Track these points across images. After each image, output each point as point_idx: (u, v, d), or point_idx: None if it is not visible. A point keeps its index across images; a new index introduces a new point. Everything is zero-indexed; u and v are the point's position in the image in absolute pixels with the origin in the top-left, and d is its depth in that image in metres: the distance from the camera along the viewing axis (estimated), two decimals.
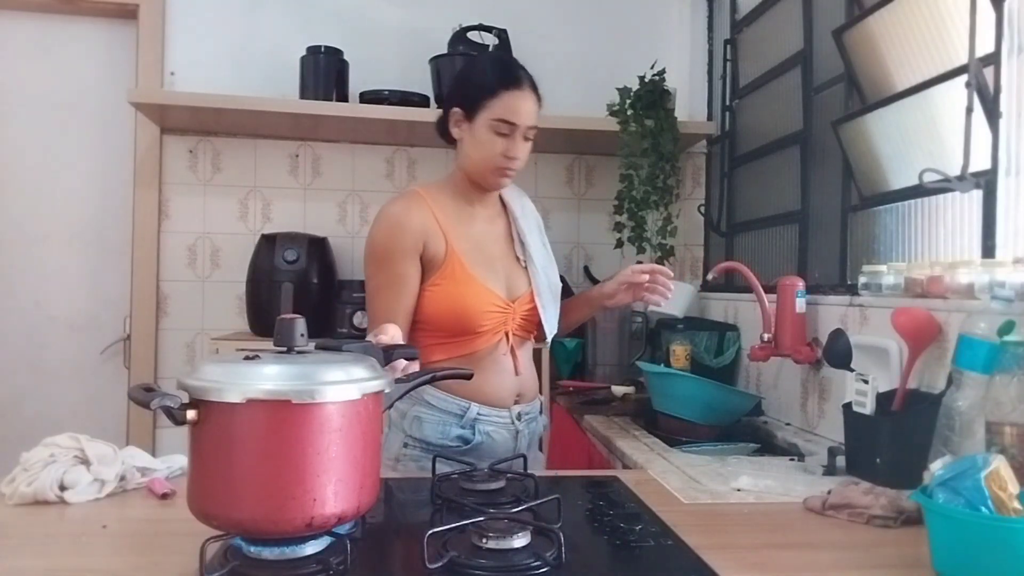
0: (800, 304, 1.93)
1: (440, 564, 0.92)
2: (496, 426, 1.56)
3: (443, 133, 1.61)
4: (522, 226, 1.66)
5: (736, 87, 2.64)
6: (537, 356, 2.56)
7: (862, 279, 1.71)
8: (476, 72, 1.58)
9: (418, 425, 1.52)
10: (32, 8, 2.69)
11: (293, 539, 0.94)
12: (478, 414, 1.53)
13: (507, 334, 1.57)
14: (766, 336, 1.98)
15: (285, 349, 0.99)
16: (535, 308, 1.61)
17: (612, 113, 2.67)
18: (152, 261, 2.69)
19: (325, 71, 2.58)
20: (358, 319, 2.44)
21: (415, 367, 1.21)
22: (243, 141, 2.74)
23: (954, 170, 1.47)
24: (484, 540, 0.97)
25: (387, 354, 1.13)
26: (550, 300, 1.64)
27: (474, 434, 1.53)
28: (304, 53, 2.58)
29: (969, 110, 1.46)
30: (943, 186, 1.50)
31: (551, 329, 1.65)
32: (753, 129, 2.54)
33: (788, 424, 2.05)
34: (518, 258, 1.63)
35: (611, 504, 1.25)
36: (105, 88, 2.72)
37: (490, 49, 2.68)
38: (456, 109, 1.54)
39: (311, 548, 0.95)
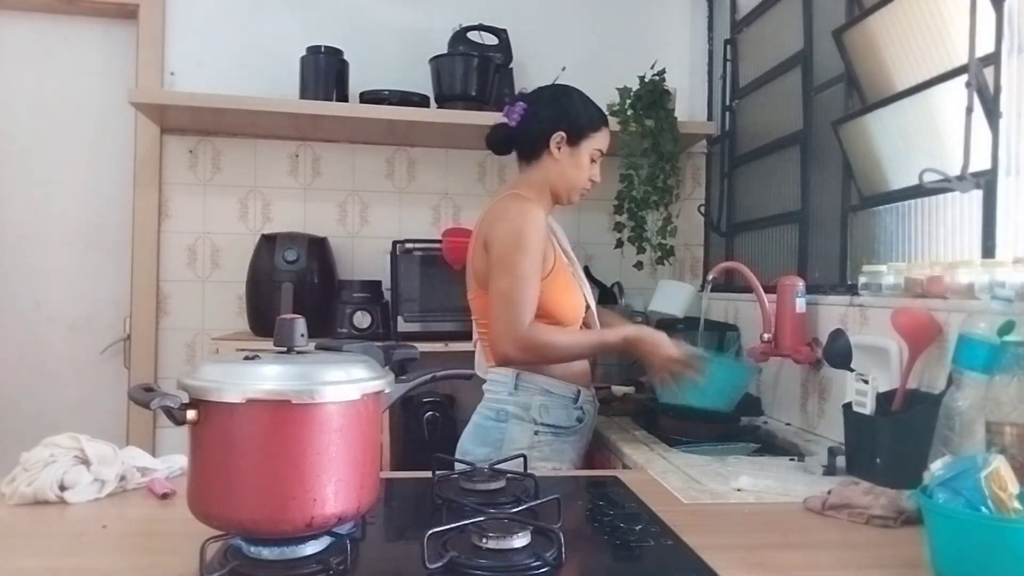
0: (800, 304, 1.93)
1: (440, 564, 0.92)
2: (590, 404, 1.82)
3: (505, 148, 1.82)
4: (562, 240, 1.89)
5: (736, 87, 2.64)
6: None
7: (862, 279, 1.71)
8: (581, 106, 1.80)
9: (546, 412, 1.73)
10: (32, 8, 2.69)
11: (293, 539, 0.94)
12: (583, 396, 1.78)
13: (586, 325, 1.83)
14: (766, 336, 1.98)
15: (285, 349, 0.99)
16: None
17: (612, 113, 2.66)
18: (152, 261, 2.68)
19: (325, 71, 2.58)
20: (358, 319, 2.44)
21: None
22: (243, 141, 2.74)
23: (954, 170, 1.47)
24: (484, 540, 0.97)
25: (387, 354, 1.13)
26: (595, 304, 1.90)
27: (584, 413, 1.78)
28: (304, 53, 2.58)
29: (969, 110, 1.46)
30: (943, 186, 1.51)
31: (598, 327, 1.88)
32: (753, 129, 2.54)
33: (788, 424, 2.05)
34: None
35: (611, 504, 1.25)
36: (105, 88, 2.72)
37: (490, 49, 2.69)
38: (561, 133, 1.75)
39: (311, 548, 0.95)
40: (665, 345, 1.71)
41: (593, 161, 1.79)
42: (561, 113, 1.77)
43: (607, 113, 2.62)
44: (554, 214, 1.89)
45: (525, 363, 1.71)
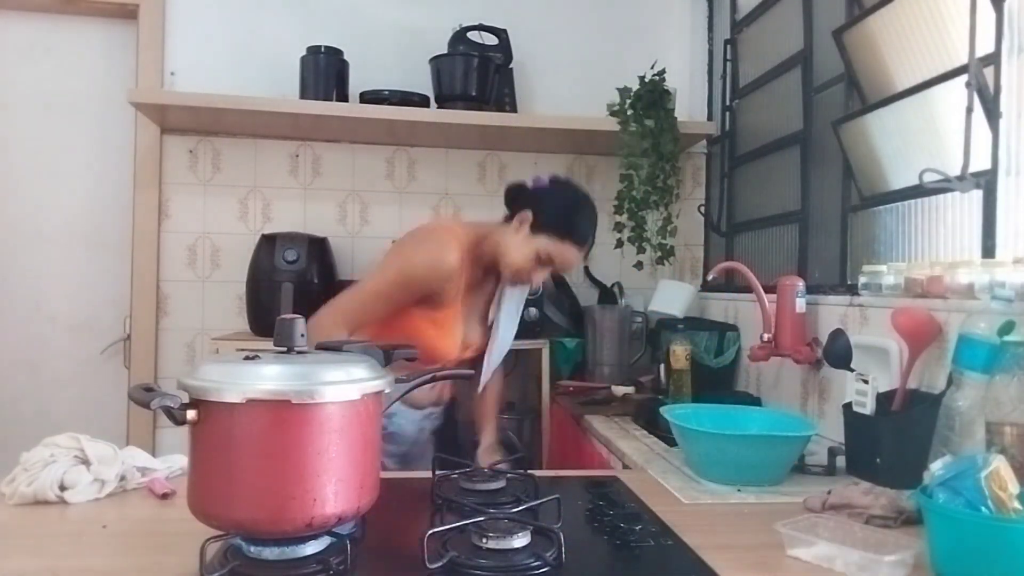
0: (800, 304, 1.93)
1: (440, 564, 0.92)
2: (407, 420, 1.78)
3: (508, 203, 1.74)
4: (506, 294, 1.80)
5: (736, 87, 2.64)
6: (537, 357, 2.58)
7: (862, 279, 1.70)
8: (573, 213, 1.67)
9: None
10: (32, 8, 2.69)
11: (293, 539, 0.94)
12: (398, 408, 1.71)
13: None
14: (766, 336, 1.98)
15: (285, 349, 0.99)
16: (478, 358, 1.82)
17: (612, 113, 2.67)
18: (152, 261, 2.68)
19: (325, 71, 2.58)
20: None
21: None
22: (243, 141, 2.74)
23: (954, 170, 1.47)
24: (484, 540, 0.97)
25: (387, 354, 1.13)
26: (496, 359, 1.85)
27: (390, 423, 1.74)
28: (304, 53, 2.58)
29: (969, 110, 1.46)
30: (943, 186, 1.50)
31: (483, 381, 1.87)
32: (753, 129, 2.54)
33: None
34: (486, 316, 1.80)
35: (611, 504, 1.25)
36: (105, 88, 2.72)
37: (494, 54, 2.68)
38: (528, 213, 1.64)
39: (311, 548, 0.95)
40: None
41: (541, 261, 1.63)
42: (550, 201, 1.67)
43: (608, 113, 2.66)
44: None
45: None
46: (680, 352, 2.09)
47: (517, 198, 1.72)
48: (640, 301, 2.77)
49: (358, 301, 1.62)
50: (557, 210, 1.66)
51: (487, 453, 1.83)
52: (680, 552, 1.03)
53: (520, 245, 1.64)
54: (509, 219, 1.69)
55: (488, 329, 1.81)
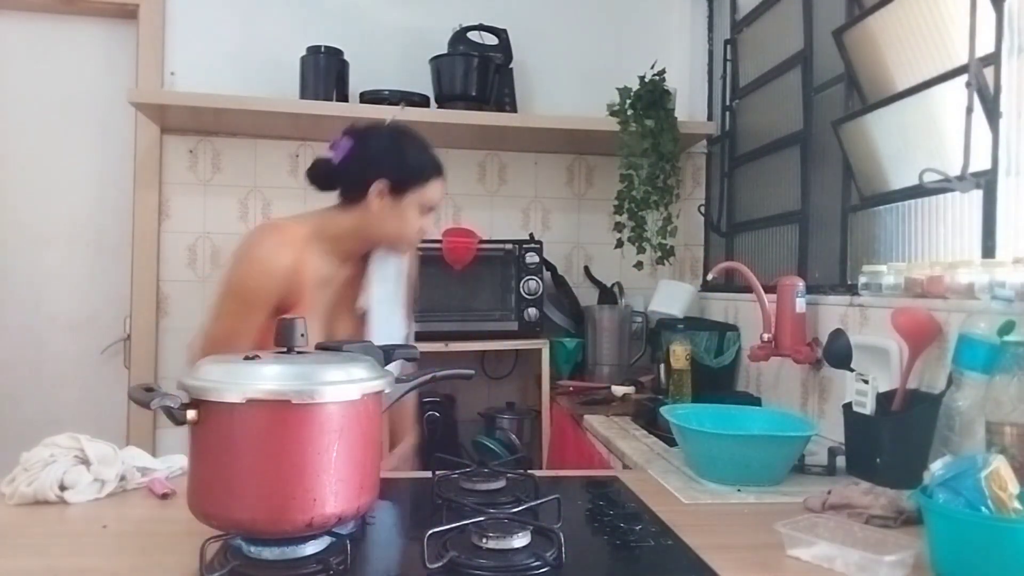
0: (800, 304, 1.93)
1: (440, 564, 0.92)
2: None
3: (327, 184, 1.57)
4: (376, 277, 1.64)
5: (736, 87, 2.64)
6: (537, 357, 2.58)
7: (862, 279, 1.70)
8: (413, 153, 1.58)
9: None
10: (32, 8, 2.69)
11: (293, 539, 0.94)
12: None
13: None
14: (766, 336, 1.98)
15: (285, 349, 0.99)
16: None
17: (612, 113, 2.67)
18: (152, 261, 2.68)
19: (325, 71, 2.58)
20: None
21: None
22: (243, 141, 2.74)
23: (954, 170, 1.47)
24: (484, 540, 0.97)
25: (387, 354, 1.13)
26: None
27: None
28: (304, 53, 2.58)
29: (969, 110, 1.46)
30: (943, 186, 1.50)
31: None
32: (753, 129, 2.54)
33: None
34: (355, 303, 1.62)
35: (611, 504, 1.25)
36: (105, 88, 2.72)
37: (489, 54, 2.68)
38: (384, 181, 1.51)
39: (311, 548, 0.95)
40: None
41: (423, 214, 1.57)
42: (387, 159, 1.55)
43: (608, 113, 2.66)
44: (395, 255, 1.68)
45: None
46: (680, 352, 2.09)
47: (328, 176, 1.56)
48: (640, 301, 2.77)
49: (218, 328, 1.48)
50: (400, 160, 1.55)
51: (398, 458, 1.70)
52: (680, 552, 1.03)
53: (393, 214, 1.54)
54: (350, 199, 1.55)
55: (360, 320, 1.62)
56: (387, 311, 1.67)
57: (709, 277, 2.12)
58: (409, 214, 1.55)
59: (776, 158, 2.34)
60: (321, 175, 1.57)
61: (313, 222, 1.55)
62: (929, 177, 1.50)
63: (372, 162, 1.54)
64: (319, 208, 1.59)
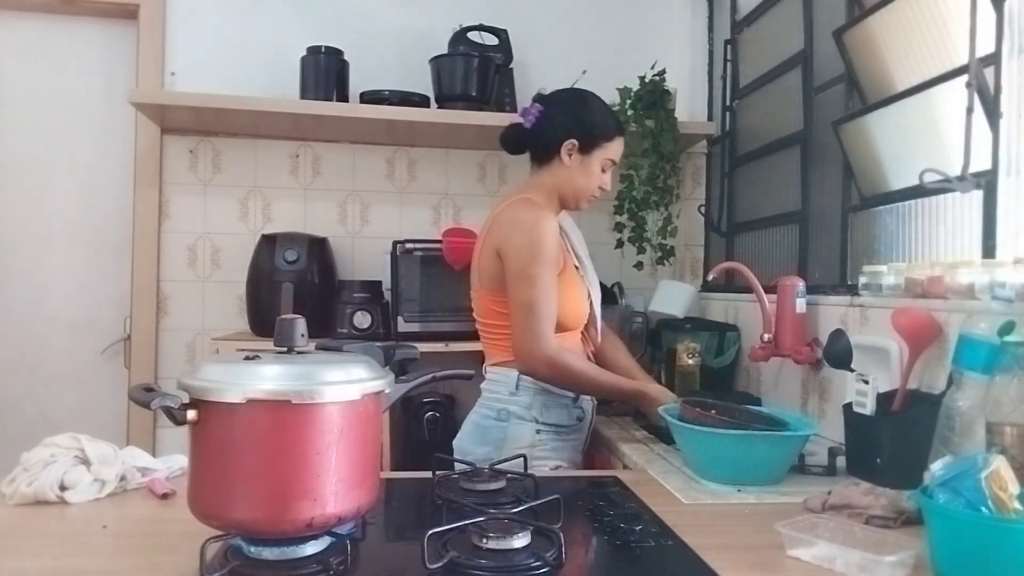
0: (800, 304, 1.93)
1: (440, 564, 0.92)
2: (588, 403, 1.83)
3: (518, 148, 1.83)
4: (573, 240, 1.89)
5: (736, 87, 2.64)
6: None
7: (862, 279, 1.70)
8: (598, 114, 1.80)
9: (547, 412, 1.74)
10: (32, 8, 2.69)
11: (293, 539, 0.94)
12: (582, 396, 1.79)
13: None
14: (766, 336, 1.98)
15: (285, 349, 0.99)
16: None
17: None
18: (152, 261, 2.68)
19: (325, 71, 2.58)
20: (358, 319, 2.44)
21: None
22: (243, 141, 2.74)
23: (954, 170, 1.47)
24: (484, 540, 0.97)
25: (387, 354, 1.13)
26: (597, 296, 1.89)
27: (583, 412, 1.81)
28: (304, 53, 2.58)
29: (969, 110, 1.45)
30: (943, 186, 1.50)
31: (599, 333, 1.90)
32: (753, 129, 2.54)
33: None
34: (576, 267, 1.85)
35: (611, 504, 1.25)
36: (105, 88, 2.72)
37: (492, 51, 2.68)
38: (573, 141, 1.75)
39: (311, 548, 0.95)
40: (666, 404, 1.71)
41: (604, 170, 1.79)
42: (576, 120, 1.76)
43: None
44: (571, 215, 1.91)
45: (547, 381, 1.72)
46: (681, 352, 2.09)
47: (520, 140, 1.81)
48: (640, 301, 2.77)
49: (536, 292, 1.64)
50: (588, 120, 1.76)
51: (663, 395, 1.77)
52: (680, 552, 1.04)
53: (584, 171, 1.76)
54: (541, 161, 1.79)
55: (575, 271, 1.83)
56: (589, 264, 1.90)
57: (709, 277, 2.12)
58: (595, 169, 1.77)
59: (776, 158, 2.34)
60: (513, 140, 1.83)
61: (532, 191, 1.78)
62: (929, 177, 1.50)
63: (562, 124, 1.76)
64: (515, 183, 1.87)
